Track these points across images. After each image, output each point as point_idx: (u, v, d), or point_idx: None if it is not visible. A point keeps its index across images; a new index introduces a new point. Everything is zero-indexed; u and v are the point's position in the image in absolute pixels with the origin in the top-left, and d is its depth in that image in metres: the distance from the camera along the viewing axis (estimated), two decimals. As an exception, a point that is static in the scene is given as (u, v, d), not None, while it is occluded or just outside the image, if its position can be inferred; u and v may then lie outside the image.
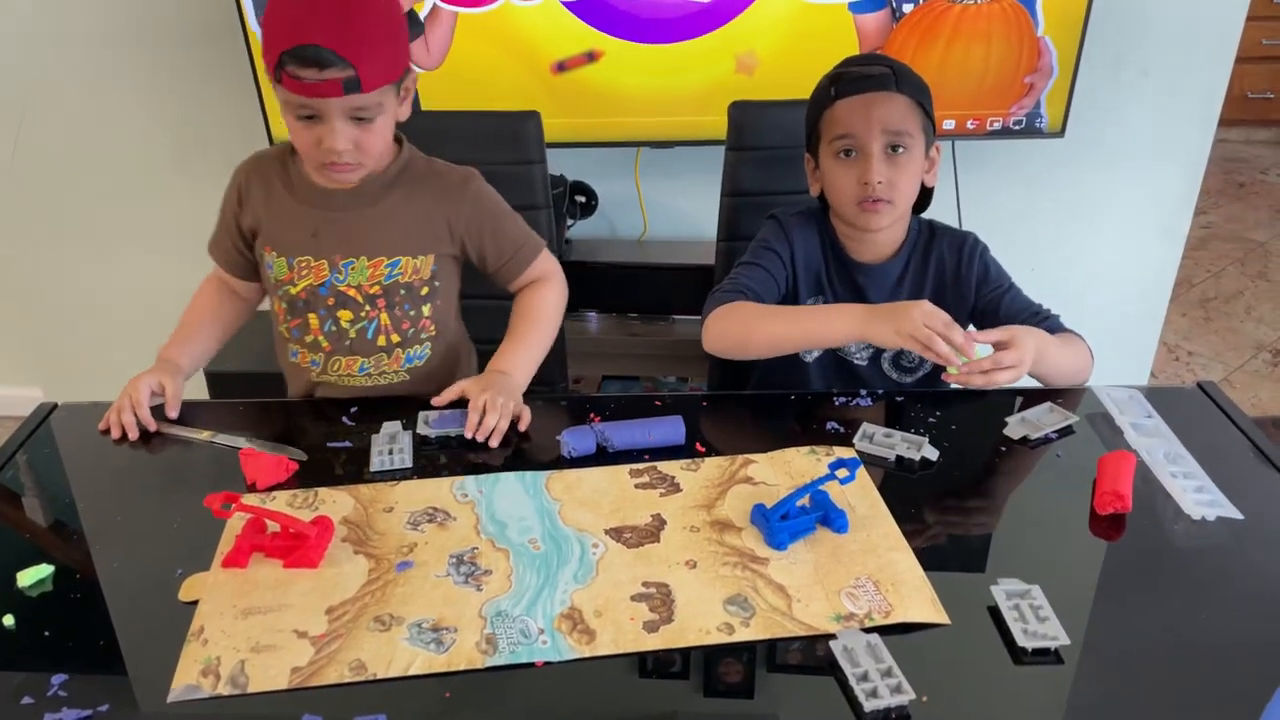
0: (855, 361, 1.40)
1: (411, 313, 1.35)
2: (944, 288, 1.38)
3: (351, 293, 1.32)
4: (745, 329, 1.31)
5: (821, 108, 1.34)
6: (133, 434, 1.22)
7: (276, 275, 1.34)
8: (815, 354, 1.41)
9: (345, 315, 1.33)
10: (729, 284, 1.36)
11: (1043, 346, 1.22)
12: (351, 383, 1.37)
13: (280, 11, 1.17)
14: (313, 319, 1.34)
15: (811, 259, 1.39)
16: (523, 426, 1.22)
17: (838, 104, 1.31)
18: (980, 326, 1.17)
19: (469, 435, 1.20)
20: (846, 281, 1.39)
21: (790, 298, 1.40)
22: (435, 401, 1.26)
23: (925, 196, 1.40)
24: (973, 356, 1.15)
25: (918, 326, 1.16)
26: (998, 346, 1.19)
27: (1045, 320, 1.33)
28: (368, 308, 1.33)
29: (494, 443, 1.19)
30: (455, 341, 1.45)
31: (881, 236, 1.37)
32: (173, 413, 1.26)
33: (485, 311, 1.46)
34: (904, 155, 1.29)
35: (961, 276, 1.38)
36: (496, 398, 1.21)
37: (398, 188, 1.32)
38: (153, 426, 1.23)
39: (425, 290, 1.35)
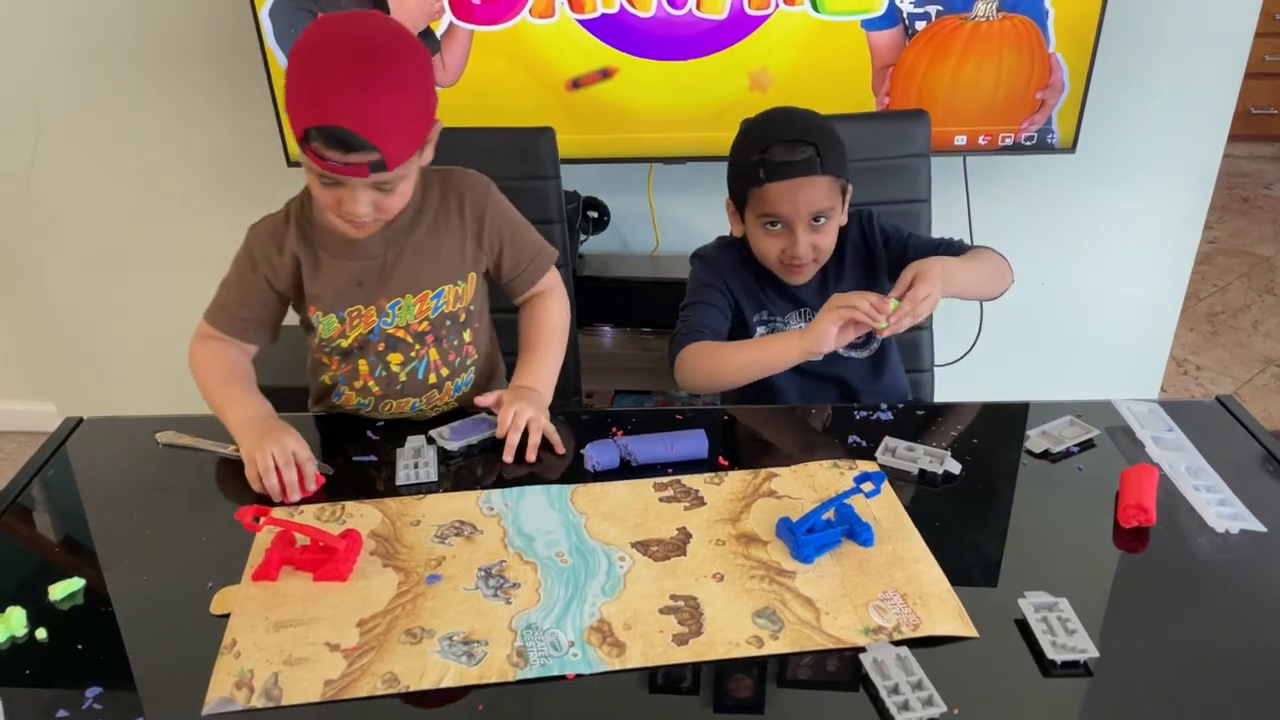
0: None
1: (456, 342, 1.34)
2: (860, 262, 1.48)
3: (400, 334, 1.30)
4: (711, 366, 1.38)
5: (748, 182, 1.38)
6: (304, 491, 1.14)
7: (324, 333, 1.29)
8: None
9: (395, 359, 1.31)
10: (684, 327, 1.43)
11: (948, 270, 1.30)
12: (402, 416, 1.35)
13: (304, 83, 1.09)
14: (363, 365, 1.31)
15: (745, 283, 1.47)
16: (560, 450, 1.22)
17: (767, 186, 1.35)
18: (896, 279, 1.29)
19: (500, 436, 1.21)
20: (781, 291, 1.46)
21: (738, 320, 1.47)
22: (479, 401, 1.27)
23: None
24: (888, 310, 1.23)
25: (836, 308, 1.25)
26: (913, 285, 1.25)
27: (949, 248, 1.42)
28: (417, 346, 1.31)
29: (531, 456, 1.20)
30: (493, 357, 1.45)
31: None
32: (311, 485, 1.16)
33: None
34: (826, 223, 1.38)
35: (870, 246, 1.47)
36: (525, 410, 1.22)
37: (425, 215, 1.28)
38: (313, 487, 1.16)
39: (464, 316, 1.33)
